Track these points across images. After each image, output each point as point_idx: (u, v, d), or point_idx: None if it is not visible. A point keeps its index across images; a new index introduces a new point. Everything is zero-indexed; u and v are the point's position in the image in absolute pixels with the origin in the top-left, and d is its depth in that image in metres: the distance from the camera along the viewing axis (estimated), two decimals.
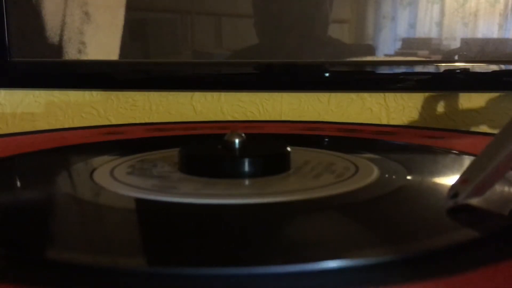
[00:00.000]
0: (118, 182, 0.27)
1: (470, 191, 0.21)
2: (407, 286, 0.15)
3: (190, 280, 0.16)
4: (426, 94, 0.58)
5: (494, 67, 0.56)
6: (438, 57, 0.56)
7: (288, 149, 0.30)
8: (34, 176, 0.31)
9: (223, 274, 0.16)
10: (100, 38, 0.58)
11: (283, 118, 0.59)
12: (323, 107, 0.59)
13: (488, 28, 0.56)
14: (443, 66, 0.56)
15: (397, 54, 0.57)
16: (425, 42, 0.57)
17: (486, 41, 0.56)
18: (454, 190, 0.22)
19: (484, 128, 0.57)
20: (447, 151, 0.37)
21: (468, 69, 0.56)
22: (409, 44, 0.57)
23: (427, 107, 0.58)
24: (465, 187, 0.21)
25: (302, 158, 0.32)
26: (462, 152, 0.36)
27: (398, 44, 0.57)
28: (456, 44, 0.56)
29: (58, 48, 0.58)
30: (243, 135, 0.30)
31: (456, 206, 0.22)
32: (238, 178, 0.27)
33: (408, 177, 0.28)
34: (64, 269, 0.16)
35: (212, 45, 0.59)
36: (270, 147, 0.32)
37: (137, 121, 0.60)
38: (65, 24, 0.58)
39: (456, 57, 0.56)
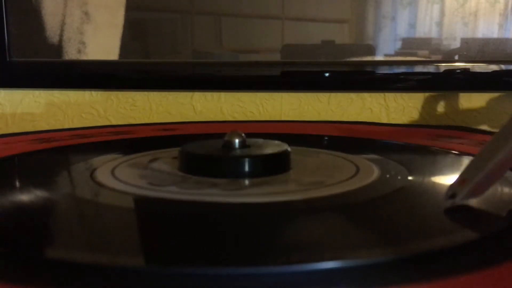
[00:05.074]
0: (119, 181, 0.27)
1: (468, 192, 0.21)
2: (407, 286, 0.15)
3: (189, 279, 0.16)
4: (426, 94, 0.58)
5: (494, 67, 0.56)
6: (438, 57, 0.56)
7: (288, 149, 0.30)
8: (34, 176, 0.31)
9: (222, 274, 0.16)
10: (100, 38, 0.58)
11: (283, 118, 0.59)
12: (323, 107, 0.59)
13: (488, 28, 0.56)
14: (443, 66, 0.56)
15: (397, 54, 0.57)
16: (425, 42, 0.57)
17: (486, 41, 0.56)
18: (452, 190, 0.22)
19: (484, 128, 0.57)
20: (447, 151, 0.37)
21: (468, 69, 0.56)
22: (409, 44, 0.57)
23: (427, 107, 0.58)
24: (463, 188, 0.21)
25: (302, 158, 0.32)
26: (463, 152, 0.36)
27: (398, 44, 0.57)
28: (456, 44, 0.56)
29: (58, 48, 0.58)
30: (243, 135, 0.30)
31: (454, 206, 0.22)
32: (238, 178, 0.27)
33: (409, 178, 0.28)
34: (64, 268, 0.16)
35: (212, 45, 0.59)
36: (270, 147, 0.32)
37: (137, 121, 0.60)
38: (65, 24, 0.58)
39: (456, 57, 0.56)
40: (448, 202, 0.22)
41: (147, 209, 0.24)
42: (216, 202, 0.24)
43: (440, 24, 0.56)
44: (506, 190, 0.25)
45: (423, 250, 0.18)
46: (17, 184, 0.30)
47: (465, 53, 0.56)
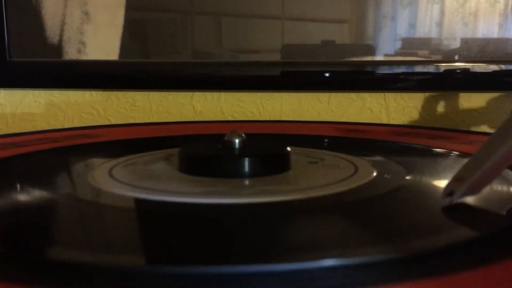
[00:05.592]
0: (117, 181, 0.27)
1: (465, 190, 0.21)
2: (405, 284, 0.15)
3: (189, 279, 0.16)
4: (426, 94, 0.58)
5: (494, 67, 0.56)
6: (438, 57, 0.56)
7: (288, 149, 0.30)
8: (34, 176, 0.31)
9: (222, 273, 0.16)
10: (100, 38, 0.58)
11: (283, 118, 0.59)
12: (323, 107, 0.59)
13: (488, 28, 0.56)
14: (443, 66, 0.56)
15: (397, 54, 0.57)
16: (425, 42, 0.57)
17: (486, 41, 0.56)
18: (449, 188, 0.22)
19: (484, 128, 0.57)
20: (447, 151, 0.37)
21: (468, 69, 0.56)
22: (409, 44, 0.57)
23: (427, 107, 0.58)
24: (460, 186, 0.21)
25: (302, 158, 0.32)
26: (462, 152, 0.36)
27: (398, 44, 0.57)
28: (456, 44, 0.56)
29: (58, 48, 0.58)
30: (243, 135, 0.30)
31: (451, 204, 0.22)
32: (238, 178, 0.27)
33: (407, 177, 0.28)
34: (63, 268, 0.16)
35: (212, 45, 0.59)
36: (270, 147, 0.32)
37: (137, 121, 0.60)
38: (65, 24, 0.58)
39: (456, 57, 0.56)
40: (445, 200, 0.22)
41: (146, 209, 0.24)
42: (216, 202, 0.24)
43: (440, 24, 0.56)
44: (505, 188, 0.25)
45: (422, 249, 0.18)
46: (17, 184, 0.30)
47: (465, 53, 0.56)
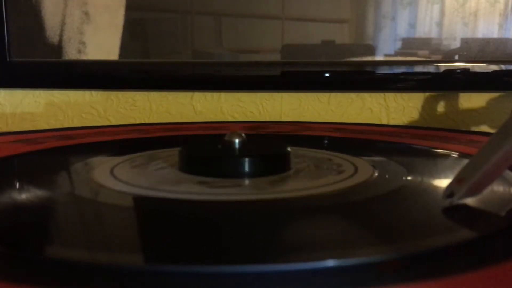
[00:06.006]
0: (118, 181, 0.27)
1: (466, 191, 0.21)
2: (405, 285, 0.15)
3: (189, 278, 0.16)
4: (426, 94, 0.58)
5: (494, 67, 0.56)
6: (438, 57, 0.56)
7: (288, 149, 0.30)
8: (35, 175, 0.31)
9: (222, 273, 0.16)
10: (100, 38, 0.58)
11: (283, 118, 0.59)
12: (323, 107, 0.59)
13: (488, 28, 0.56)
14: (443, 66, 0.56)
15: (397, 54, 0.57)
16: (425, 42, 0.57)
17: (486, 41, 0.56)
18: (450, 189, 0.22)
19: (484, 128, 0.57)
20: (447, 152, 0.37)
21: (468, 69, 0.56)
22: (409, 44, 0.57)
23: (427, 107, 0.58)
24: (461, 187, 0.21)
25: (302, 159, 0.32)
26: (462, 153, 0.36)
27: (398, 44, 0.57)
28: (456, 44, 0.56)
29: (58, 48, 0.58)
30: (243, 135, 0.30)
31: (451, 205, 0.22)
32: (238, 178, 0.27)
33: (408, 178, 0.28)
34: (65, 267, 0.16)
35: (212, 45, 0.59)
36: (270, 147, 0.32)
37: (137, 121, 0.60)
38: (65, 24, 0.58)
39: (456, 57, 0.56)
40: (446, 201, 0.22)
41: (146, 208, 0.24)
42: (216, 201, 0.24)
43: (440, 24, 0.56)
44: (505, 190, 0.25)
45: (422, 249, 0.18)
46: (17, 183, 0.30)
47: (465, 53, 0.56)
